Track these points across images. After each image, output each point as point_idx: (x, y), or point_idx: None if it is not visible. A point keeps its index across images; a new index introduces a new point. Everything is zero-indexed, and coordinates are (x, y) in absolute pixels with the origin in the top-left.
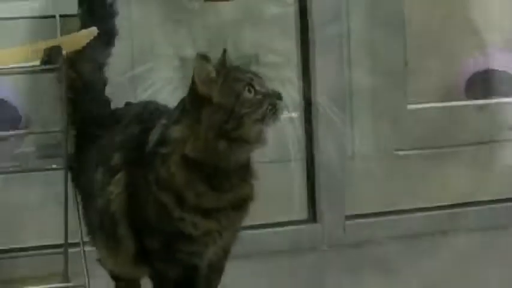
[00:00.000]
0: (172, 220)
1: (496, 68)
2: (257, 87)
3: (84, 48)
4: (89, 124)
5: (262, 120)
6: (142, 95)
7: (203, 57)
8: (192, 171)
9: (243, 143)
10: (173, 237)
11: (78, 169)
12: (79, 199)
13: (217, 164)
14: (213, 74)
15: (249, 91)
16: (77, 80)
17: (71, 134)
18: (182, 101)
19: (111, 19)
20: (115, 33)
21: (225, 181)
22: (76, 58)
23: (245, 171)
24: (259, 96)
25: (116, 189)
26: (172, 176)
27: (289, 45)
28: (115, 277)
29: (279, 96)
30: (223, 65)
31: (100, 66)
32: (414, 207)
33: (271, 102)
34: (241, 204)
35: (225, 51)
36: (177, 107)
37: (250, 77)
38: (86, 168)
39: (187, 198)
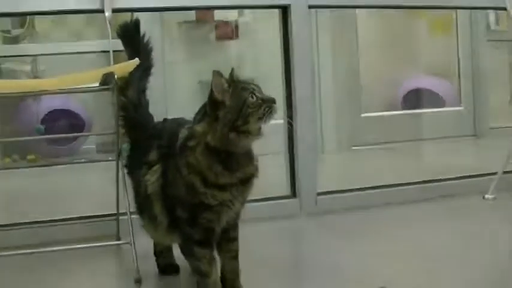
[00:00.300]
0: (198, 194)
1: (424, 88)
2: (258, 95)
3: (129, 78)
4: (138, 135)
5: (262, 118)
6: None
7: (218, 73)
8: (212, 157)
9: (248, 135)
10: (197, 208)
11: (130, 167)
12: (132, 187)
13: (229, 150)
14: (225, 85)
15: (252, 97)
16: (127, 103)
17: (121, 136)
18: (203, 106)
19: (149, 55)
20: (151, 65)
21: (234, 163)
22: (124, 86)
23: (249, 156)
24: (259, 101)
25: (151, 177)
26: (198, 161)
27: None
28: (154, 240)
29: (273, 101)
30: (232, 79)
31: (142, 91)
32: (366, 186)
33: (268, 105)
34: (248, 180)
35: (232, 69)
36: (199, 111)
37: (253, 87)
38: (136, 166)
39: (209, 177)
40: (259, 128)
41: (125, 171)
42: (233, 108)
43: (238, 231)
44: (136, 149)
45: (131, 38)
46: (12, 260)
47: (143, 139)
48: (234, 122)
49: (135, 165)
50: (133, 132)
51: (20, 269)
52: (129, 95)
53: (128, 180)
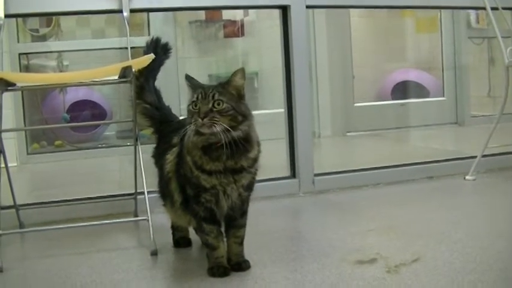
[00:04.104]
0: (194, 176)
1: (411, 80)
2: (198, 105)
3: (144, 86)
4: (164, 130)
5: (194, 124)
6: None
7: (187, 77)
8: (194, 143)
9: (195, 133)
10: (198, 188)
11: (157, 156)
12: (157, 175)
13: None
14: (188, 88)
15: (195, 106)
16: (150, 108)
17: (141, 124)
18: None
19: (161, 66)
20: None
21: (212, 154)
22: (142, 93)
23: (241, 148)
24: (195, 110)
25: (170, 157)
26: (189, 142)
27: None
28: (172, 220)
29: (198, 114)
30: (195, 84)
31: (158, 96)
32: (358, 168)
33: (195, 117)
34: (236, 170)
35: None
36: None
37: (197, 96)
38: (161, 156)
39: (197, 161)
40: (204, 131)
41: (152, 161)
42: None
43: (246, 219)
44: (162, 142)
45: (156, 50)
46: (45, 234)
47: (169, 132)
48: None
49: (160, 155)
50: (160, 128)
51: (52, 242)
52: (149, 101)
53: (145, 164)
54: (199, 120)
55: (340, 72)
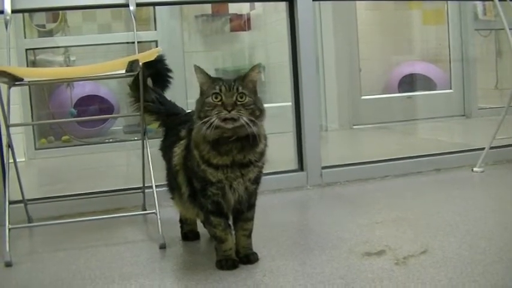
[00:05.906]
0: (201, 169)
1: (417, 72)
2: (222, 96)
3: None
4: (171, 122)
5: (217, 117)
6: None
7: (197, 68)
8: (202, 137)
9: (209, 126)
10: (205, 182)
11: (164, 150)
12: (165, 168)
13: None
14: (202, 80)
15: (216, 98)
16: (153, 104)
17: (147, 119)
18: None
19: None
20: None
21: (222, 148)
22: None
23: (247, 142)
24: (218, 102)
25: (178, 150)
26: (196, 137)
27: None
28: (181, 213)
29: (226, 108)
30: (210, 76)
31: (158, 93)
32: (365, 161)
33: (218, 109)
34: (243, 164)
35: (260, 64)
36: None
37: (220, 88)
38: (169, 149)
39: (204, 155)
40: (221, 123)
41: (160, 154)
42: (201, 100)
43: (254, 212)
44: (170, 134)
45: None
46: (53, 228)
47: (176, 125)
48: (199, 112)
49: (168, 147)
50: (167, 121)
51: (60, 236)
52: (150, 99)
53: (153, 158)
54: (224, 112)
55: (347, 65)
